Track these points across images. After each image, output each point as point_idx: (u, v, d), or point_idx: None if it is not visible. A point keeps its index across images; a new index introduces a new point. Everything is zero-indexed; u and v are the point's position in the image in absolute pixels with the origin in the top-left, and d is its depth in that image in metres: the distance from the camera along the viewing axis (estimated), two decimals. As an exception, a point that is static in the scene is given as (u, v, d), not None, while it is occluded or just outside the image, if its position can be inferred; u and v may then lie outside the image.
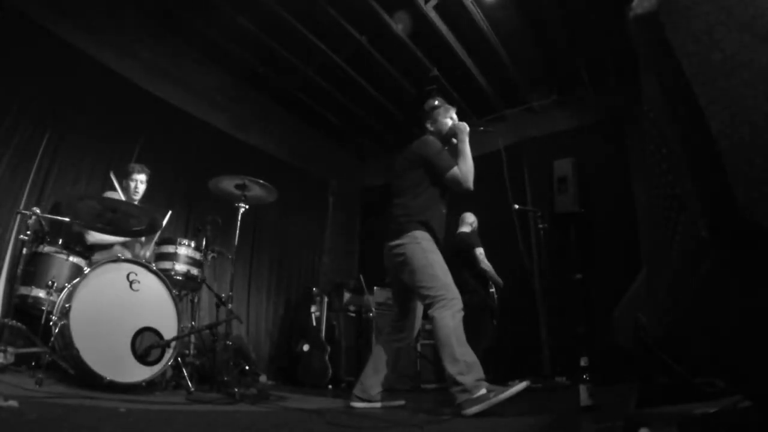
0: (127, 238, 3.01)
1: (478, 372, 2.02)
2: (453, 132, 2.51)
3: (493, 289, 4.08)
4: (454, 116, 2.61)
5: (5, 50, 3.22)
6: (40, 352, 2.11)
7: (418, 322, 2.52)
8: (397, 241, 2.31)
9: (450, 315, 2.12)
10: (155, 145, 4.11)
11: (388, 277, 2.55)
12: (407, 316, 2.45)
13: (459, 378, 1.99)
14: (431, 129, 2.58)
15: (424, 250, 2.26)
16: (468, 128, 2.48)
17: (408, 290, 2.40)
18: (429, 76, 4.78)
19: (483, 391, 1.95)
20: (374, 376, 2.34)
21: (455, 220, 4.41)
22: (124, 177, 3.26)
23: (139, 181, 3.23)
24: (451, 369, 2.03)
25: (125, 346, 2.28)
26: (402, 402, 2.41)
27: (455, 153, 2.42)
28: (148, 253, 3.00)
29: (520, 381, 2.03)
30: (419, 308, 2.48)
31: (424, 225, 2.32)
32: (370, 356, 2.47)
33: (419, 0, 3.88)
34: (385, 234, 2.44)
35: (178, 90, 4.50)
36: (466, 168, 2.35)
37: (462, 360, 2.03)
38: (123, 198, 3.04)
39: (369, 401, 2.29)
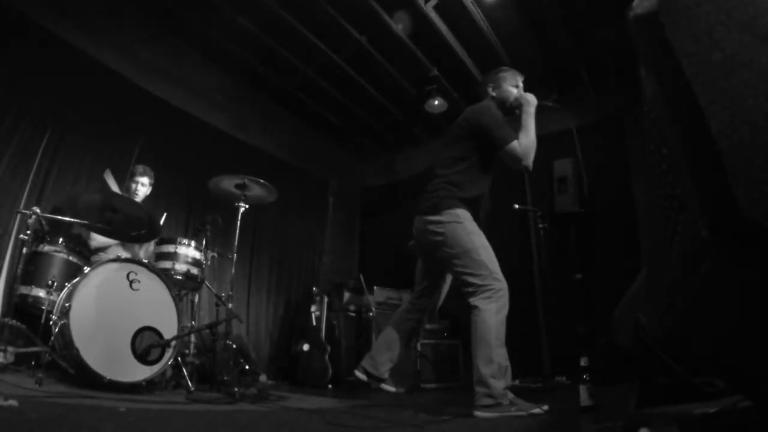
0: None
1: (508, 379, 1.94)
2: (518, 103, 2.23)
3: None
4: (521, 84, 2.34)
5: (5, 50, 3.22)
6: (40, 351, 2.11)
7: (440, 301, 2.39)
8: (436, 218, 2.11)
9: (495, 309, 1.96)
10: (155, 145, 4.11)
11: (416, 251, 2.35)
12: (432, 295, 2.32)
13: (490, 381, 1.88)
14: (493, 95, 2.31)
15: (467, 231, 2.07)
16: (536, 101, 2.20)
17: (441, 270, 2.26)
18: (429, 76, 4.78)
19: (506, 401, 1.88)
20: (387, 352, 2.23)
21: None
22: (128, 177, 3.26)
23: (141, 183, 3.23)
24: (484, 369, 1.90)
25: (125, 345, 2.28)
26: (402, 389, 2.33)
27: (515, 127, 2.15)
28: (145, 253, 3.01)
29: (540, 406, 1.92)
30: (446, 289, 2.34)
31: (465, 203, 2.13)
32: (383, 332, 2.32)
33: (419, 0, 3.88)
34: (419, 206, 2.23)
35: (178, 90, 4.50)
36: (528, 143, 2.09)
37: (497, 362, 1.91)
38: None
39: (378, 378, 2.20)
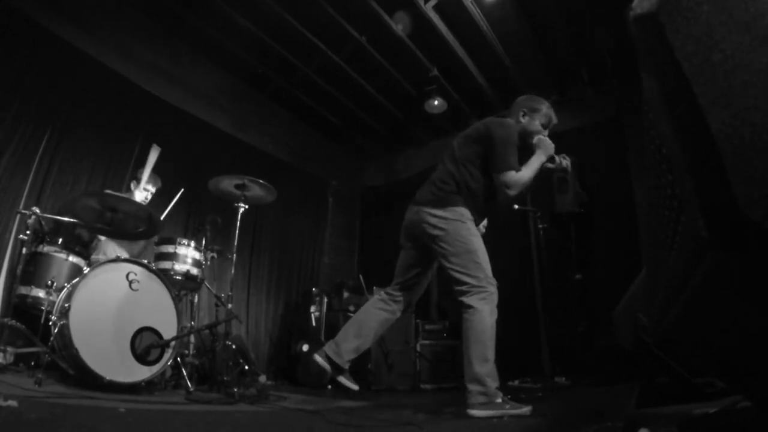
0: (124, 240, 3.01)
1: (497, 379, 1.95)
2: (535, 143, 2.21)
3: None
4: (550, 126, 2.32)
5: (5, 50, 3.22)
6: (40, 351, 2.11)
7: (417, 297, 2.33)
8: (440, 212, 2.08)
9: (490, 310, 1.97)
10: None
11: (406, 240, 2.26)
12: (412, 289, 2.25)
13: (487, 380, 1.88)
14: (522, 121, 2.28)
15: (470, 232, 2.06)
16: (552, 151, 2.20)
17: (428, 264, 2.23)
18: (429, 76, 4.78)
19: (500, 399, 1.88)
20: (355, 340, 2.13)
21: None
22: (135, 180, 3.26)
23: (151, 193, 3.25)
24: (479, 368, 1.89)
25: (125, 345, 2.28)
26: (356, 387, 2.16)
27: (523, 159, 2.15)
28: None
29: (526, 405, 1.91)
30: (425, 283, 2.30)
31: (468, 204, 2.12)
32: (351, 320, 2.24)
33: (419, 0, 3.88)
34: (420, 196, 2.19)
35: (178, 90, 4.50)
36: (525, 178, 2.07)
37: (491, 361, 1.92)
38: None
39: (337, 367, 2.10)
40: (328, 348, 2.14)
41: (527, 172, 2.09)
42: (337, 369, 2.11)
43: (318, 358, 2.12)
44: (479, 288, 2.00)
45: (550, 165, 2.25)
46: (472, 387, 1.90)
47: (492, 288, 2.02)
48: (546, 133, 2.30)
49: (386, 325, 2.23)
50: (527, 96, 2.40)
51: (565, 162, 2.29)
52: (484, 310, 1.96)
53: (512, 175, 2.06)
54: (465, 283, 2.02)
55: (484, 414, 1.84)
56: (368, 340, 2.18)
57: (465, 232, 2.06)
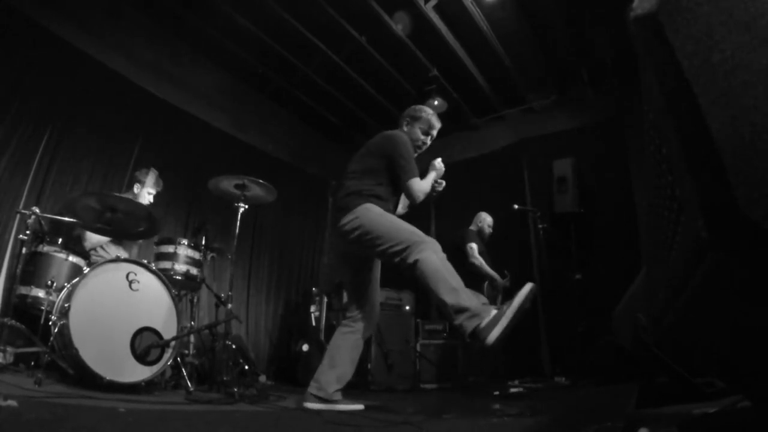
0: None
1: (476, 298, 1.95)
2: (430, 167, 2.38)
3: (497, 287, 4.05)
4: (434, 133, 2.47)
5: (5, 50, 3.22)
6: (40, 351, 2.11)
7: (376, 311, 2.37)
8: (349, 217, 2.14)
9: (433, 251, 1.95)
10: (155, 145, 4.11)
11: (340, 267, 2.36)
12: (363, 305, 2.30)
13: (464, 303, 1.81)
14: (405, 129, 2.45)
15: (379, 214, 2.12)
16: (443, 171, 2.38)
17: (363, 276, 2.30)
18: (429, 76, 4.78)
19: (494, 311, 1.78)
20: (330, 371, 2.16)
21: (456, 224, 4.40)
22: (139, 183, 3.25)
23: (153, 195, 3.26)
24: (451, 299, 1.83)
25: (124, 345, 2.28)
26: (361, 406, 2.14)
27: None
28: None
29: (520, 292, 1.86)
30: (376, 296, 2.35)
31: (375, 198, 2.18)
32: (326, 351, 2.28)
33: (419, 0, 3.88)
34: (333, 222, 2.29)
35: (178, 90, 4.50)
36: (425, 186, 2.26)
37: (460, 288, 1.87)
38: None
39: (326, 401, 2.10)
40: (311, 387, 2.15)
41: (426, 183, 2.29)
42: (329, 402, 2.11)
43: (306, 404, 2.12)
44: (411, 245, 1.98)
45: (437, 187, 2.41)
46: (459, 319, 1.82)
47: (421, 238, 2.02)
48: (429, 139, 2.47)
49: (358, 347, 2.27)
50: (412, 106, 2.54)
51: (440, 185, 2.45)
52: (426, 256, 1.94)
53: (417, 182, 2.23)
54: (399, 252, 2.00)
55: (496, 334, 1.74)
56: (346, 368, 2.20)
57: (376, 216, 2.12)
